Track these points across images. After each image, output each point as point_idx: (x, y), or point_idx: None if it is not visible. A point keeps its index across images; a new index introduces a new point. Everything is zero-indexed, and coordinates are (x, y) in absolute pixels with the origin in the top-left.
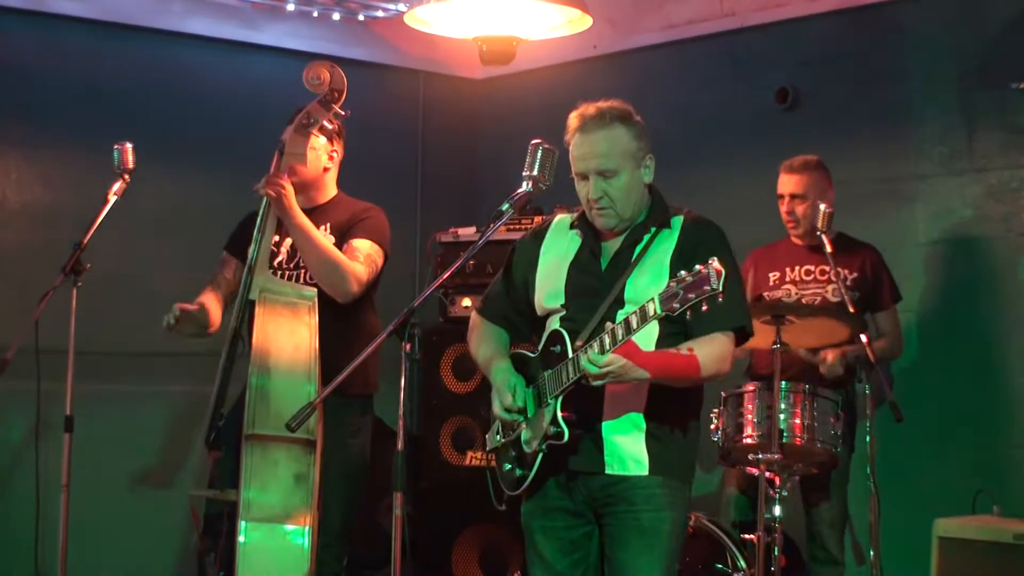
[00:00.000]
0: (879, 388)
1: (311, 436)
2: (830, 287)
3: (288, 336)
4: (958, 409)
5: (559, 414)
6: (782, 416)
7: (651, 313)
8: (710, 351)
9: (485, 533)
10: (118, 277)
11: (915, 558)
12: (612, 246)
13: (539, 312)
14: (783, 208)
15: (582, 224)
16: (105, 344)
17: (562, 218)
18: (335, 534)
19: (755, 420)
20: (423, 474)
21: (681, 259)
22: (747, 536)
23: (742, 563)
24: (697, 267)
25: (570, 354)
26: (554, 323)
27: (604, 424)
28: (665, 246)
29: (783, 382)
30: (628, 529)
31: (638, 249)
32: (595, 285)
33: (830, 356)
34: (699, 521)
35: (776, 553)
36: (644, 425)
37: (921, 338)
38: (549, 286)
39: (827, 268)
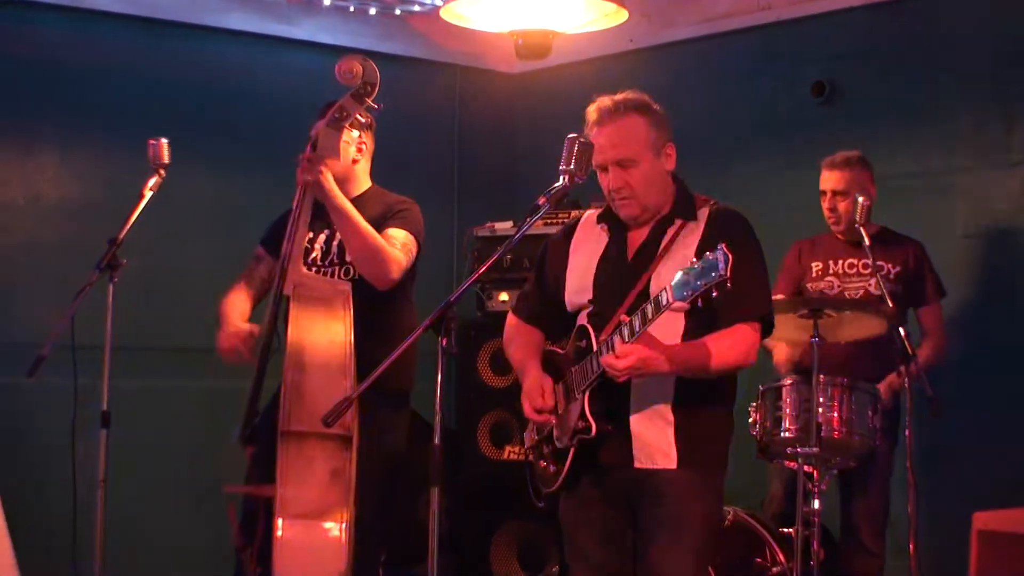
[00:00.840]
0: (918, 382)
1: (347, 432)
2: (873, 281)
3: (323, 331)
4: (997, 402)
5: (586, 409)
6: (820, 409)
7: (664, 302)
8: (728, 342)
9: (523, 528)
10: (154, 273)
11: (954, 551)
12: (638, 239)
13: (569, 308)
14: (825, 205)
15: (609, 217)
16: (141, 340)
17: (591, 214)
18: (372, 529)
19: (793, 414)
20: (461, 469)
21: (705, 250)
22: (785, 530)
23: (780, 557)
24: (707, 254)
25: (594, 348)
26: (581, 318)
27: (632, 418)
28: (691, 239)
29: (821, 375)
30: (657, 524)
31: (664, 242)
32: (621, 279)
33: (882, 392)
34: (737, 515)
35: (815, 547)
36: (672, 418)
37: (959, 331)
38: (578, 282)
39: (870, 261)
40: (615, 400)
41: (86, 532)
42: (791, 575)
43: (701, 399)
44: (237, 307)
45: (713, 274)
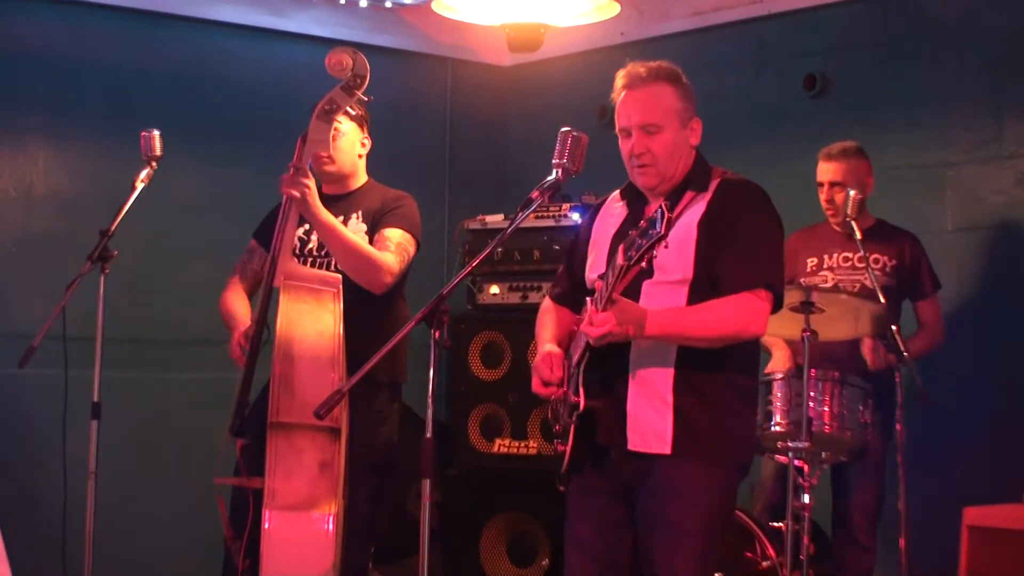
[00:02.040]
0: (907, 374)
1: (336, 424)
2: (868, 273)
3: (312, 323)
4: (988, 397)
5: (580, 383)
6: (811, 404)
7: (618, 264)
8: (724, 309)
9: (513, 521)
10: (145, 264)
11: (944, 546)
12: (651, 211)
13: (588, 286)
14: (823, 196)
15: (628, 192)
16: (132, 331)
17: (616, 192)
18: (362, 522)
19: (784, 408)
20: (451, 461)
21: (708, 222)
22: (776, 524)
23: (771, 551)
24: (652, 211)
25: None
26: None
27: (628, 396)
28: (697, 209)
29: (812, 369)
30: (656, 523)
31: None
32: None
33: (868, 356)
34: None
35: (805, 541)
36: (671, 399)
37: (951, 325)
38: (594, 260)
39: (864, 256)
40: (611, 376)
41: (76, 523)
42: (781, 569)
43: (708, 380)
44: (240, 306)
45: (650, 232)
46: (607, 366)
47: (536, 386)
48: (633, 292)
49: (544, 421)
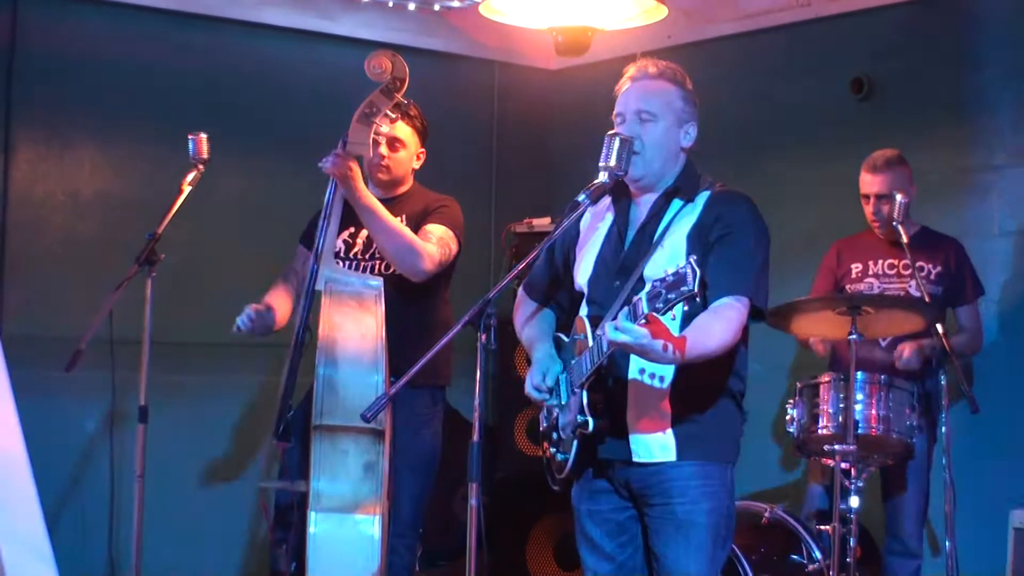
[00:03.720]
0: (956, 379)
1: (379, 426)
2: (913, 282)
3: (354, 326)
4: None
5: (584, 404)
6: (858, 407)
7: (640, 312)
8: (719, 323)
9: (560, 524)
10: (192, 267)
11: (991, 549)
12: (638, 216)
13: (576, 287)
14: (869, 209)
15: (616, 191)
16: (179, 334)
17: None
18: (407, 524)
19: (830, 411)
20: (498, 465)
21: (699, 234)
22: (822, 527)
23: (817, 554)
24: (678, 266)
25: (590, 342)
26: (581, 307)
27: (628, 414)
28: (686, 221)
29: (859, 372)
30: (665, 523)
31: (661, 227)
32: (617, 266)
33: (906, 351)
34: (774, 512)
35: (851, 544)
36: (669, 411)
37: (998, 329)
38: (584, 263)
39: (909, 262)
40: (612, 396)
41: (124, 526)
42: (828, 572)
43: (701, 391)
44: (273, 297)
45: (683, 288)
46: (607, 385)
47: (527, 389)
48: (629, 304)
49: (534, 421)
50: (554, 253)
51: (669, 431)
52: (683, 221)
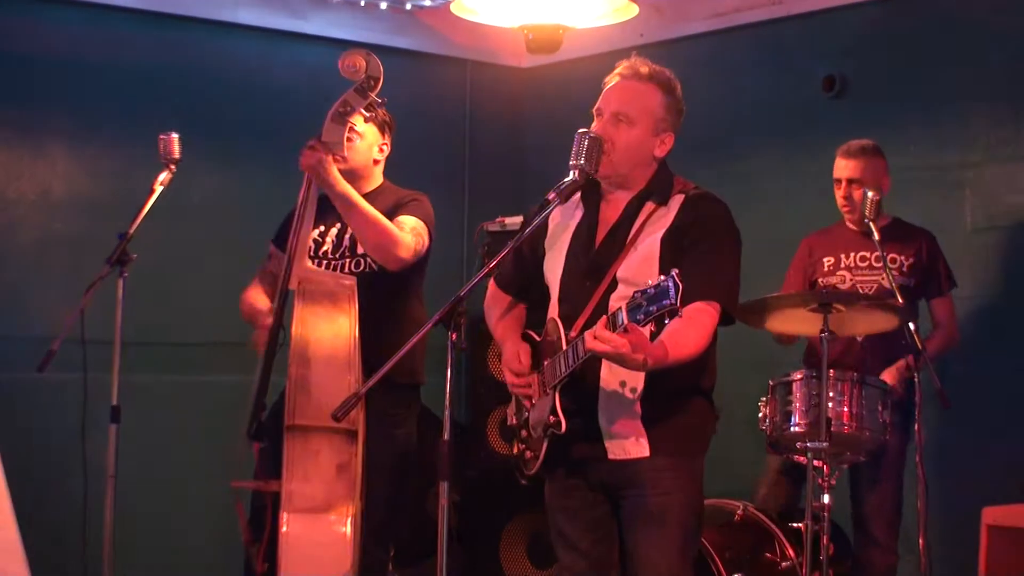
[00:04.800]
0: (927, 375)
1: (352, 426)
2: (886, 274)
3: (328, 325)
4: (1007, 396)
5: (557, 405)
6: (830, 404)
7: (620, 322)
8: (693, 328)
9: (532, 522)
10: (164, 267)
11: (963, 546)
12: (610, 218)
13: (546, 280)
14: (840, 193)
15: (586, 189)
16: (151, 334)
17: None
18: (381, 524)
19: (803, 408)
20: (470, 463)
21: (672, 238)
22: (795, 524)
23: (790, 552)
24: (661, 279)
25: (564, 346)
26: (552, 306)
27: (600, 415)
28: (660, 224)
29: (831, 369)
30: (637, 515)
31: (634, 228)
32: (588, 265)
33: (889, 379)
34: (747, 510)
35: (824, 542)
36: (640, 410)
37: (969, 326)
38: (553, 260)
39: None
40: (584, 397)
41: (96, 526)
42: (801, 570)
43: (673, 390)
44: (261, 301)
45: (665, 301)
46: (579, 386)
47: (508, 378)
48: (602, 305)
49: (505, 419)
50: (523, 246)
51: (641, 429)
52: (657, 223)
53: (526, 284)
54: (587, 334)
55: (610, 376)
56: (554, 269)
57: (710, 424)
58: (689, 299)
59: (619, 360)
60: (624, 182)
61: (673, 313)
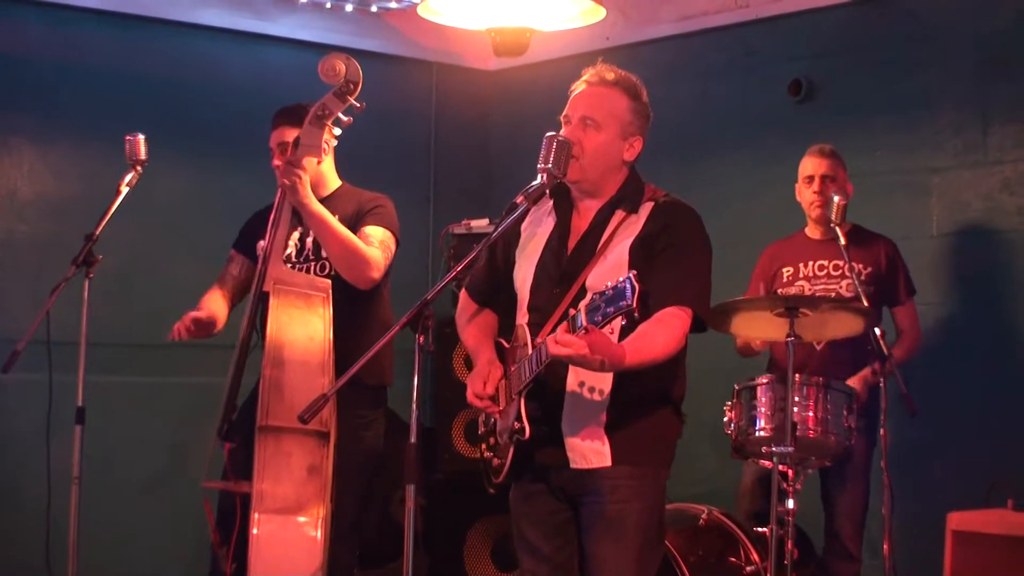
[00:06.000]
0: (892, 381)
1: (324, 428)
2: (844, 282)
3: (302, 327)
4: (972, 402)
5: (522, 411)
6: (796, 409)
7: (579, 324)
8: (661, 332)
9: (497, 525)
10: (130, 268)
11: (928, 552)
12: (581, 227)
13: (516, 287)
14: (812, 189)
15: (557, 196)
16: (117, 336)
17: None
18: (348, 526)
19: (768, 413)
20: (436, 466)
21: (642, 245)
22: (760, 529)
23: (754, 556)
24: (619, 280)
25: (529, 351)
26: (521, 314)
27: (563, 422)
28: (629, 231)
29: (796, 374)
30: (595, 521)
31: (604, 237)
32: (559, 274)
33: (857, 386)
34: (712, 515)
35: (788, 547)
36: (604, 419)
37: (934, 331)
38: (524, 268)
39: (841, 263)
40: (549, 403)
41: (60, 529)
42: (765, 574)
43: (639, 398)
44: (210, 300)
45: (621, 303)
46: (545, 392)
47: (469, 397)
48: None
49: (471, 423)
50: (495, 254)
51: (604, 439)
52: (626, 231)
53: (496, 293)
54: (549, 339)
55: (575, 382)
56: (524, 277)
57: (675, 434)
58: (659, 305)
59: (581, 364)
60: (595, 189)
61: (630, 314)
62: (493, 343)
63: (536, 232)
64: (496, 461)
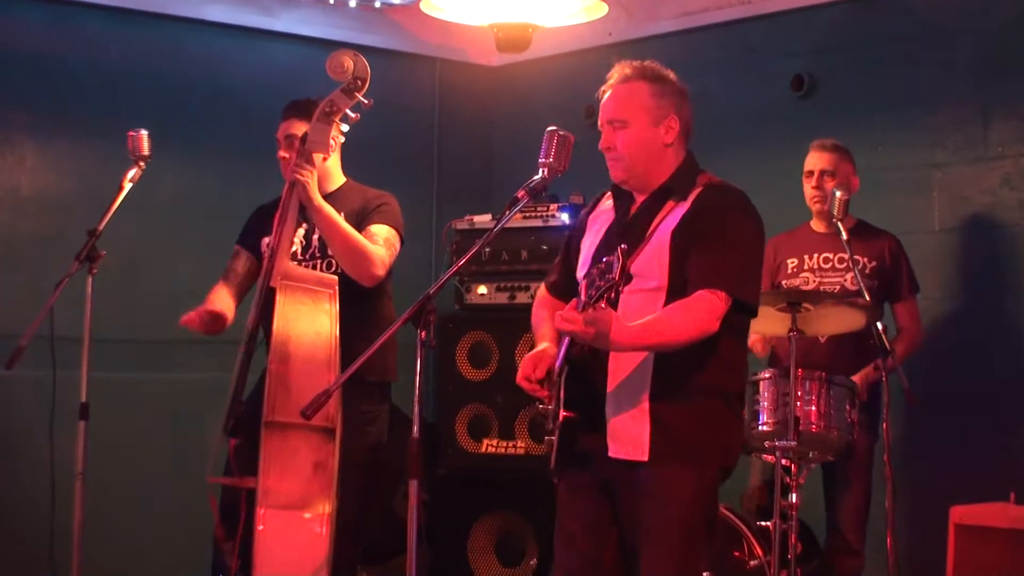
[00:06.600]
0: (894, 374)
1: (331, 424)
2: (849, 275)
3: (309, 323)
4: (974, 396)
5: (561, 392)
6: (798, 403)
7: (580, 301)
8: (684, 313)
9: (501, 521)
10: (133, 264)
11: (931, 545)
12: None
13: (577, 279)
14: (811, 184)
15: (616, 189)
16: (120, 331)
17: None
18: (351, 521)
19: (771, 407)
20: (439, 462)
21: (683, 229)
22: (763, 523)
23: (758, 551)
24: (612, 255)
25: None
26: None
27: (607, 405)
28: (671, 218)
29: (799, 369)
30: (636, 527)
31: (651, 225)
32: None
33: (859, 384)
34: None
35: (792, 540)
36: (648, 407)
37: (936, 326)
38: (582, 260)
39: (846, 256)
40: (592, 383)
41: (64, 524)
42: (769, 569)
43: (684, 387)
44: (217, 297)
45: (609, 276)
46: (588, 376)
47: (519, 379)
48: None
49: (532, 421)
50: (569, 250)
51: (646, 429)
52: (670, 217)
53: (570, 285)
54: (557, 315)
55: (615, 368)
56: (581, 267)
57: (728, 431)
58: (694, 288)
59: (584, 339)
60: (644, 183)
61: (616, 288)
62: (553, 331)
63: (598, 225)
64: (548, 447)
